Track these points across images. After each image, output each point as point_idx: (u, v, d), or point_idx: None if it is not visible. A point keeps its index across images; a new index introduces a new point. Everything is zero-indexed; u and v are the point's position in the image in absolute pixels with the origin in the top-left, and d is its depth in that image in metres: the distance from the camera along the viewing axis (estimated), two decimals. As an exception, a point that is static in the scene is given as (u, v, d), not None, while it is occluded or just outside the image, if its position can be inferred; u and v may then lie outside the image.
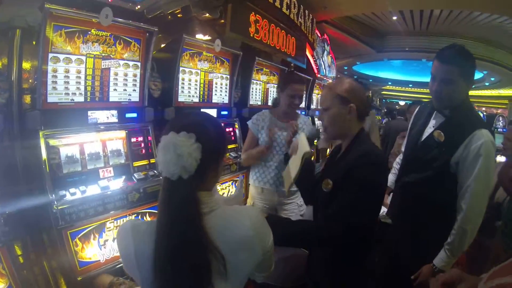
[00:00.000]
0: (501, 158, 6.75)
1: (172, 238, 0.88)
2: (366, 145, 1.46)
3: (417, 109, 2.09)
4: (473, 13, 7.57)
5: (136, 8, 2.21)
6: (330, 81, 6.99)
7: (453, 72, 1.62)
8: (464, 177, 1.64)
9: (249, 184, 2.76)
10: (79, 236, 1.81)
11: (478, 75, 13.23)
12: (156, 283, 0.89)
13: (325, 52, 6.84)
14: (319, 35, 6.24)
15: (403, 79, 17.05)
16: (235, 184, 3.19)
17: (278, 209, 2.61)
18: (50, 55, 1.84)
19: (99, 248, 1.91)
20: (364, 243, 1.43)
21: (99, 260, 1.88)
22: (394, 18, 8.64)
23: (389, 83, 19.07)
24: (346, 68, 14.07)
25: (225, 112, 3.37)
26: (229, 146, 3.29)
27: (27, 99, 1.86)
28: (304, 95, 5.50)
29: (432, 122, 1.84)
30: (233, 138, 3.40)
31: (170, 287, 0.90)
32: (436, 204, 1.76)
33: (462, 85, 1.66)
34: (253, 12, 3.38)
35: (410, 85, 18.56)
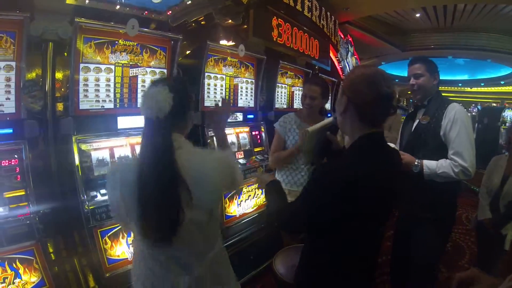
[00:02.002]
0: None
1: (152, 167, 1.06)
2: (348, 157, 1.20)
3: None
4: (498, 6, 7.04)
5: (161, 17, 2.19)
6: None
7: (420, 68, 2.04)
8: (450, 140, 1.88)
9: None
10: (108, 234, 1.82)
11: (507, 71, 12.39)
12: (140, 212, 1.06)
13: (349, 54, 6.61)
14: (342, 36, 6.04)
15: (429, 77, 16.29)
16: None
17: None
18: (81, 65, 1.88)
19: (128, 247, 1.91)
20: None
21: (127, 258, 1.88)
22: (417, 15, 8.23)
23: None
24: (371, 68, 13.63)
25: (251, 116, 3.30)
26: (256, 149, 3.21)
27: (60, 106, 1.90)
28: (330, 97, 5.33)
29: (418, 115, 2.12)
30: (259, 141, 3.31)
31: (154, 216, 1.05)
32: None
33: (429, 78, 2.04)
34: (275, 17, 3.30)
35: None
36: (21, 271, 1.52)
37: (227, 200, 2.75)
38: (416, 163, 1.94)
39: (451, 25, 8.86)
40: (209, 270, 1.22)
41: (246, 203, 2.93)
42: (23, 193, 1.60)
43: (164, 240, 1.08)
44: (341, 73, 5.95)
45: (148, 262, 1.18)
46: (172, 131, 1.13)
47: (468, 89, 17.52)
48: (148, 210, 1.05)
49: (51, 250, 1.62)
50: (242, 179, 1.31)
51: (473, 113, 9.01)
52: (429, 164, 1.91)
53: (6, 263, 1.49)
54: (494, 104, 14.09)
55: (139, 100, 2.20)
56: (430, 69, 2.05)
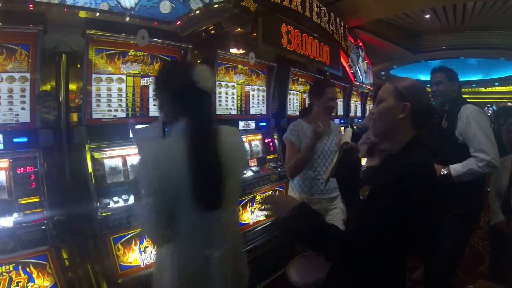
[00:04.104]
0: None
1: (205, 134, 1.20)
2: (421, 155, 1.17)
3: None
4: (508, 2, 6.80)
5: (170, 27, 2.19)
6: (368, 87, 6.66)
7: (441, 76, 2.40)
8: (468, 141, 2.11)
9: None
10: (121, 241, 1.80)
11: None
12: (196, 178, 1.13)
13: (360, 58, 6.51)
14: (352, 41, 5.94)
15: (442, 79, 15.87)
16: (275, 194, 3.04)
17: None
18: (93, 75, 1.90)
19: (140, 254, 1.89)
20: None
21: (140, 265, 1.86)
22: (427, 16, 8.04)
23: (428, 85, 17.87)
24: (383, 73, 13.38)
25: (264, 124, 3.25)
26: (269, 157, 3.15)
27: (74, 116, 1.93)
28: (342, 103, 5.26)
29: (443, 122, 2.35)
30: (272, 148, 3.25)
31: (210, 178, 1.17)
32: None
33: (449, 84, 2.37)
34: (284, 23, 3.27)
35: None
36: (34, 275, 1.53)
37: (241, 208, 2.70)
38: (442, 170, 2.10)
39: (462, 25, 8.64)
40: (231, 253, 1.29)
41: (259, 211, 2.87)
42: (37, 199, 1.62)
43: (217, 201, 1.20)
44: (352, 78, 5.85)
45: (181, 245, 1.22)
46: None
47: (483, 90, 17.01)
48: (203, 174, 1.14)
49: (65, 256, 1.62)
50: None
51: (489, 114, 8.73)
52: (455, 167, 2.09)
53: (20, 267, 1.50)
54: (510, 104, 13.61)
55: (151, 109, 2.21)
56: (450, 76, 2.38)
